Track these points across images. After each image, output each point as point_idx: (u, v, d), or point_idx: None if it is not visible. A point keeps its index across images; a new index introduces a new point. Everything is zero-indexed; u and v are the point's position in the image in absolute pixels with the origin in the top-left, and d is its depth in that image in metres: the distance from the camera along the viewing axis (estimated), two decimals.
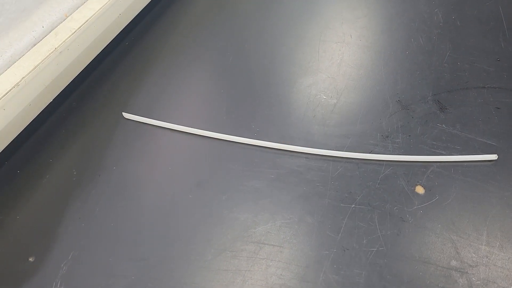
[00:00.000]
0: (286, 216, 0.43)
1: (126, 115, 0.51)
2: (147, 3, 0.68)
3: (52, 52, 0.49)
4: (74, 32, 0.52)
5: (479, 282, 0.38)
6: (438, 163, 0.47)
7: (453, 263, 0.39)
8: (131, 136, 0.52)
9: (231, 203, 0.44)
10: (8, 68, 0.47)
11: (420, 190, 0.45)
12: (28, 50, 0.49)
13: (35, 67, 0.47)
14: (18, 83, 0.45)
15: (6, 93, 0.44)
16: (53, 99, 0.53)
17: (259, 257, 0.40)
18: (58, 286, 0.38)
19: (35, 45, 0.50)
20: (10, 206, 0.45)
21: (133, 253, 0.40)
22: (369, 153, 0.48)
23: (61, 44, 0.50)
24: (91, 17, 0.54)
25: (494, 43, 0.62)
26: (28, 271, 0.39)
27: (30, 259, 0.40)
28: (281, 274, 0.39)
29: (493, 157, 0.47)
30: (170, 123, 0.51)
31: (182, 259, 0.40)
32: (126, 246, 0.41)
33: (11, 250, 0.41)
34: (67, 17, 0.54)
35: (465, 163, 0.47)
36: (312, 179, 0.46)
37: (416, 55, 0.61)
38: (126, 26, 0.64)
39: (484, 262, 0.39)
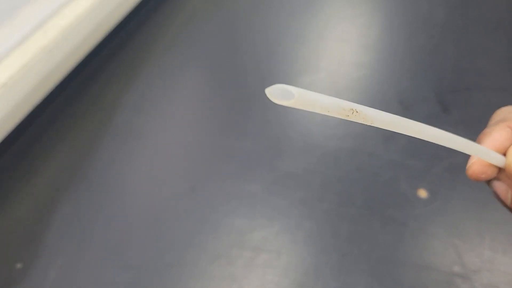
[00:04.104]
0: (283, 221, 0.42)
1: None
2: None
3: (41, 50, 0.48)
4: (64, 30, 0.51)
5: (481, 287, 0.37)
6: (441, 167, 0.47)
7: (456, 268, 0.38)
8: (122, 138, 0.51)
9: (226, 207, 0.44)
10: None
11: (422, 193, 0.44)
12: (17, 49, 0.48)
13: (23, 66, 0.46)
14: (5, 83, 0.44)
15: None
16: (42, 100, 0.52)
17: (255, 263, 0.39)
18: None
19: (23, 43, 0.49)
20: None
21: (124, 260, 0.40)
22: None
23: (50, 42, 0.49)
24: (81, 14, 0.53)
25: (497, 42, 0.62)
26: (16, 278, 0.39)
27: (18, 266, 0.40)
28: (278, 282, 0.38)
29: None
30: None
31: (175, 266, 0.39)
32: (117, 253, 0.40)
33: None
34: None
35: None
36: (311, 182, 0.46)
37: (418, 54, 0.61)
38: (117, 24, 0.64)
39: (487, 267, 0.38)
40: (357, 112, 0.17)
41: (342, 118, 0.16)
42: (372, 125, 0.18)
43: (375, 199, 0.44)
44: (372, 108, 0.17)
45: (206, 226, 0.42)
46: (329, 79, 0.58)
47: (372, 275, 0.38)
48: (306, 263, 0.39)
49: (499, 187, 0.24)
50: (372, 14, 0.69)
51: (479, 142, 0.23)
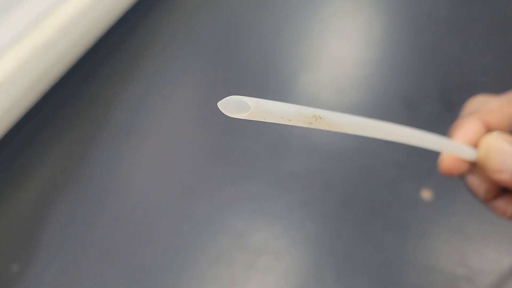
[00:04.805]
0: (284, 222, 0.42)
1: None
2: None
3: (37, 49, 0.47)
4: (61, 27, 0.50)
5: None
6: None
7: (459, 270, 0.38)
8: (120, 138, 0.50)
9: (226, 208, 0.43)
10: None
11: (426, 194, 0.44)
12: (12, 47, 0.47)
13: (19, 65, 0.45)
14: (1, 82, 0.43)
15: None
16: (38, 99, 0.51)
17: (255, 265, 0.39)
18: None
19: (19, 41, 0.48)
20: None
21: (122, 262, 0.39)
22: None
23: (46, 40, 0.48)
24: (79, 10, 0.52)
25: (502, 39, 0.61)
26: (11, 280, 0.38)
27: (14, 268, 0.39)
28: (279, 284, 0.37)
29: None
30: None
31: (173, 268, 0.39)
32: (115, 255, 0.40)
33: None
34: None
35: None
36: (312, 182, 0.45)
37: (421, 52, 0.60)
38: (116, 21, 0.63)
39: (491, 269, 0.38)
40: (320, 118, 0.15)
41: (306, 126, 0.15)
42: (339, 131, 0.16)
43: (377, 200, 0.43)
44: (338, 113, 0.16)
45: (205, 227, 0.41)
46: (331, 77, 0.57)
47: (375, 277, 0.37)
48: (307, 265, 0.38)
49: (472, 180, 0.23)
50: (374, 11, 0.68)
51: (450, 136, 0.23)
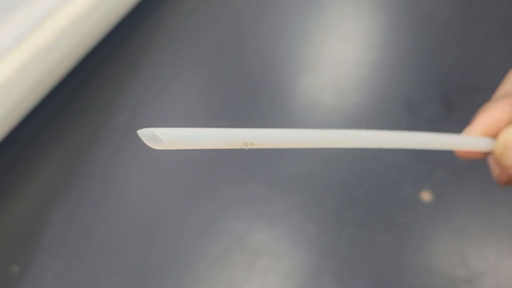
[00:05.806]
0: (284, 224, 0.41)
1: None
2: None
3: (38, 51, 0.47)
4: (62, 30, 0.50)
5: None
6: (445, 169, 0.46)
7: (460, 272, 0.37)
8: (120, 139, 0.50)
9: (226, 210, 0.43)
10: None
11: (426, 196, 0.43)
12: (13, 49, 0.47)
13: (20, 67, 0.45)
14: (3, 83, 0.43)
15: None
16: (39, 100, 0.51)
17: (256, 267, 0.39)
18: None
19: (20, 43, 0.48)
20: None
21: (122, 265, 0.39)
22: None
23: (48, 42, 0.48)
24: (79, 13, 0.52)
25: (502, 40, 0.61)
26: (12, 281, 0.38)
27: (15, 269, 0.39)
28: (279, 285, 0.37)
29: None
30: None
31: (175, 270, 0.39)
32: (115, 257, 0.40)
33: None
34: None
35: (472, 169, 0.46)
36: (313, 185, 0.45)
37: (422, 53, 0.60)
38: (115, 24, 0.63)
39: (492, 271, 0.38)
40: (252, 144, 0.14)
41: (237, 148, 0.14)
42: (281, 147, 0.15)
43: (378, 202, 0.43)
44: (275, 130, 0.14)
45: (206, 229, 0.41)
46: (331, 79, 0.57)
47: (375, 279, 0.37)
48: (307, 267, 0.38)
49: (490, 160, 0.21)
50: (374, 12, 0.68)
51: (477, 117, 0.20)
